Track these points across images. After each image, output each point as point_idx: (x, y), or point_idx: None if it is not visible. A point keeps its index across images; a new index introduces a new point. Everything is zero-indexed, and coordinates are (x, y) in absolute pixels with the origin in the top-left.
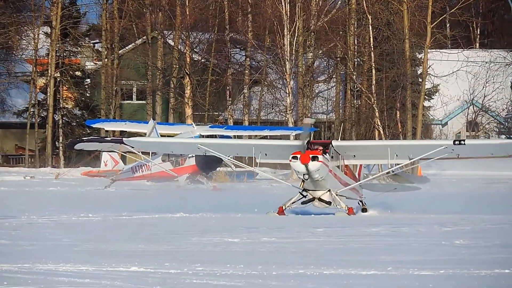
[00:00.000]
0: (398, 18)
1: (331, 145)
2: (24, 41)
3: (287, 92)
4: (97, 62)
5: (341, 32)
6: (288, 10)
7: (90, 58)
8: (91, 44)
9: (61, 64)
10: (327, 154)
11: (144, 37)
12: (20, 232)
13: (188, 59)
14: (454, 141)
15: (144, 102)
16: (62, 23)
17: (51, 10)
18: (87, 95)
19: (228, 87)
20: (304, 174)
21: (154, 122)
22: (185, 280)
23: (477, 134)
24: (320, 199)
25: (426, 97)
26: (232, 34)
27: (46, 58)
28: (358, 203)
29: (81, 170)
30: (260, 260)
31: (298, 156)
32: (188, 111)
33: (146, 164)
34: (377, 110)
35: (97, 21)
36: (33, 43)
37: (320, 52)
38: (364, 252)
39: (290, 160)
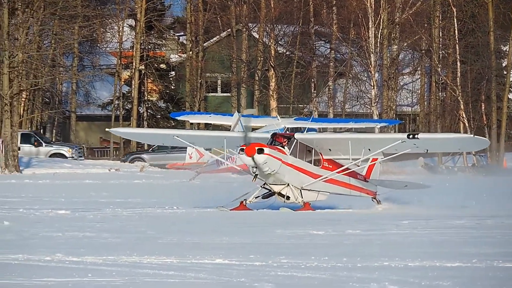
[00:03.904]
0: (483, 10)
1: (293, 138)
2: (109, 34)
3: (372, 84)
4: (182, 55)
5: (426, 25)
6: (373, 2)
7: (175, 51)
8: (176, 37)
9: (145, 56)
10: (285, 147)
11: (229, 30)
12: (105, 224)
13: (272, 52)
14: (408, 135)
15: (229, 94)
16: (146, 16)
17: (135, 3)
18: (172, 87)
19: (313, 80)
20: (252, 167)
21: (239, 114)
22: (270, 272)
23: None
24: (279, 194)
25: (511, 90)
26: (316, 27)
27: (130, 50)
28: (372, 200)
29: (166, 162)
30: (345, 252)
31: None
32: (273, 103)
33: (231, 157)
34: (462, 102)
35: (182, 13)
36: (117, 35)
37: (405, 44)
38: (448, 245)
39: (239, 152)
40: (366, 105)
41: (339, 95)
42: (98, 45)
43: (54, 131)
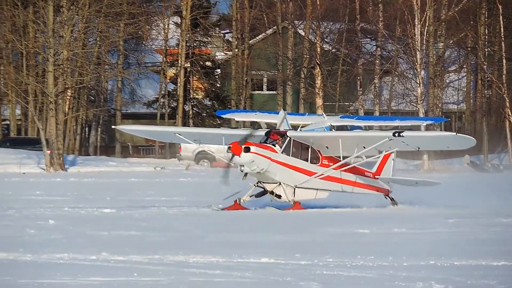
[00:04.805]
0: None
1: (286, 136)
2: (154, 31)
3: (418, 82)
4: (228, 52)
5: (471, 22)
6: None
7: (221, 48)
8: (222, 34)
9: (191, 54)
10: (276, 145)
11: (275, 27)
12: (150, 223)
13: (318, 49)
14: (394, 133)
15: (274, 92)
16: (192, 13)
17: (181, 0)
18: (218, 85)
19: (358, 77)
20: (239, 166)
21: (284, 112)
22: (316, 271)
23: None
24: (271, 192)
25: None
26: (362, 24)
27: (176, 48)
28: (385, 197)
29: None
30: (391, 251)
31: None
32: (319, 101)
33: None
34: (507, 100)
35: (228, 11)
36: (163, 33)
37: (451, 42)
38: (494, 243)
39: (227, 151)
40: (412, 103)
41: (385, 92)
42: (144, 42)
43: (99, 129)
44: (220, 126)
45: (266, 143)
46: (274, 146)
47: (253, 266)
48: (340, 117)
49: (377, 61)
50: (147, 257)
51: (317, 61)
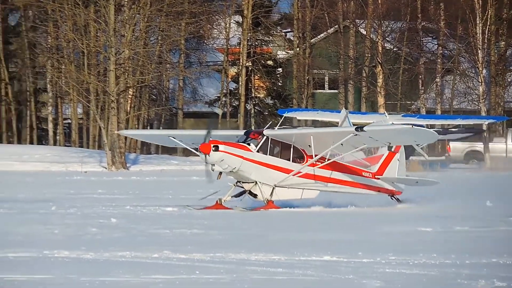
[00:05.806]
0: None
1: (263, 135)
2: (216, 30)
3: (480, 81)
4: (289, 51)
5: None
6: None
7: (282, 47)
8: (283, 33)
9: (252, 53)
10: (251, 144)
11: (336, 26)
12: (212, 221)
13: (380, 48)
14: (356, 128)
15: (336, 91)
16: (253, 12)
17: None
18: (279, 84)
19: (420, 76)
20: (210, 165)
21: (346, 111)
22: (378, 269)
23: None
24: (248, 191)
25: None
26: (424, 23)
27: (237, 47)
28: (391, 198)
29: None
30: (453, 249)
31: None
32: (380, 100)
33: (338, 153)
34: None
35: (289, 10)
36: (224, 32)
37: None
38: None
39: (198, 151)
40: (474, 102)
41: (447, 91)
42: (205, 41)
43: (161, 128)
44: (282, 125)
45: (245, 142)
46: (249, 145)
47: (315, 264)
48: (402, 116)
49: (439, 59)
50: (209, 255)
51: (378, 60)
